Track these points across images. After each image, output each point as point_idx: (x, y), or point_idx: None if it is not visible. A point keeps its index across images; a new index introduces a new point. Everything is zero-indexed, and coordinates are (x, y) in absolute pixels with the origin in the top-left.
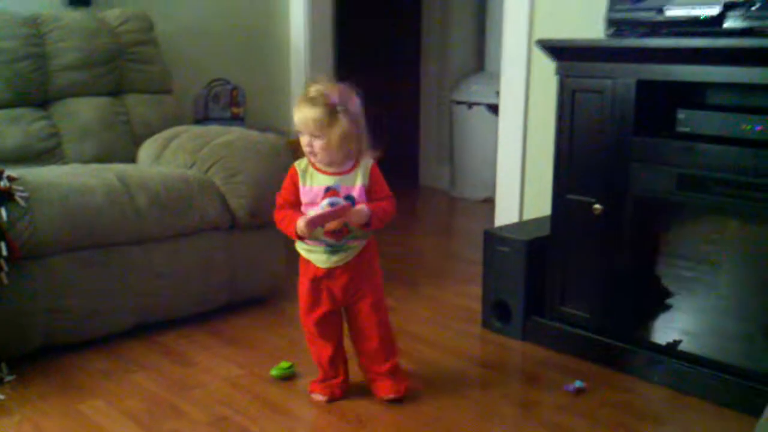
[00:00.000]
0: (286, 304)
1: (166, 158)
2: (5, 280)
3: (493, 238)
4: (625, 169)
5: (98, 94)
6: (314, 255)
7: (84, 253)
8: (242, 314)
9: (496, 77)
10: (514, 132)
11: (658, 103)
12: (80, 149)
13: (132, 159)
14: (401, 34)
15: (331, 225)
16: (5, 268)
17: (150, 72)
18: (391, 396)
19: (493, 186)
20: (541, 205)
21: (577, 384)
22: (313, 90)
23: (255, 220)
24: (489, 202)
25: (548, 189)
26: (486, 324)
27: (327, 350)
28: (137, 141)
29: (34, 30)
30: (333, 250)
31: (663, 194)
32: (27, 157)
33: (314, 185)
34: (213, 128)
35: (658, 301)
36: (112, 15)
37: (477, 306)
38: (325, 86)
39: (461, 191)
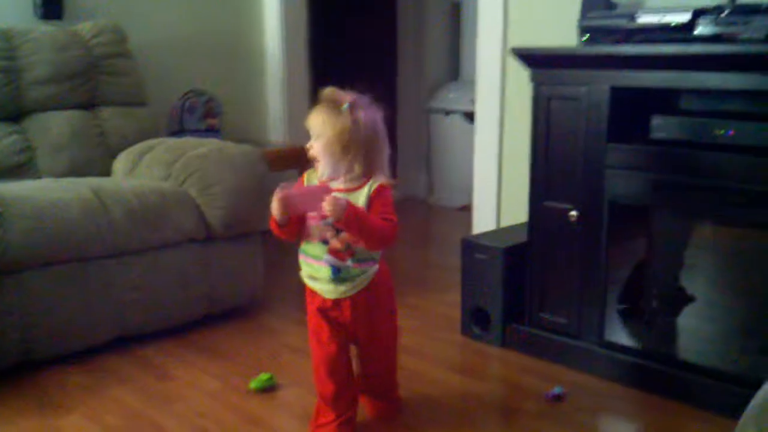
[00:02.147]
0: (265, 315)
1: (141, 171)
2: None
3: (470, 246)
4: (601, 175)
5: (72, 107)
6: (319, 285)
7: (59, 268)
8: (221, 326)
9: (471, 85)
10: (490, 139)
11: (633, 110)
12: (54, 163)
13: (107, 172)
14: (377, 44)
15: (334, 242)
16: None
17: (124, 84)
18: (381, 418)
19: (470, 193)
20: (518, 212)
21: (557, 390)
22: (328, 90)
23: (231, 232)
24: (466, 210)
25: (525, 196)
26: (465, 331)
27: (336, 387)
28: (112, 154)
29: (6, 44)
30: (339, 278)
31: (638, 200)
32: (0, 172)
33: None
34: (188, 140)
35: (635, 306)
36: (85, 28)
37: (456, 314)
38: (340, 92)
39: (439, 199)
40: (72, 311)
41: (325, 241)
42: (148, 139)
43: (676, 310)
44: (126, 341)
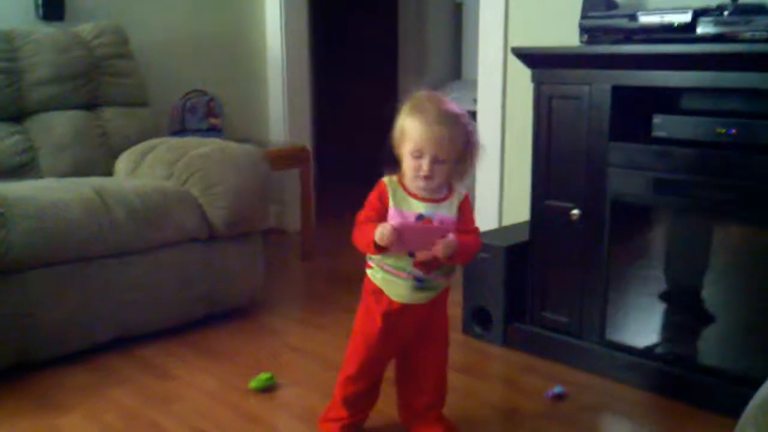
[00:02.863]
0: (266, 315)
1: (143, 171)
2: None
3: None
4: (603, 174)
5: (73, 107)
6: (394, 287)
7: (60, 268)
8: (221, 326)
9: (473, 85)
10: (492, 139)
11: (634, 109)
12: (56, 163)
13: (109, 172)
14: (378, 43)
15: (422, 255)
16: None
17: (126, 85)
18: None
19: (472, 192)
20: (520, 210)
21: (557, 389)
22: (446, 105)
23: (233, 231)
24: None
25: (527, 195)
26: (467, 330)
27: (362, 389)
28: (114, 154)
29: (8, 45)
30: (421, 285)
31: (640, 198)
32: (2, 172)
33: (404, 209)
34: (190, 140)
35: (637, 305)
36: (86, 29)
37: (457, 312)
38: (451, 102)
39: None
40: (72, 311)
41: (411, 254)
42: (149, 139)
43: (683, 310)
44: (126, 341)
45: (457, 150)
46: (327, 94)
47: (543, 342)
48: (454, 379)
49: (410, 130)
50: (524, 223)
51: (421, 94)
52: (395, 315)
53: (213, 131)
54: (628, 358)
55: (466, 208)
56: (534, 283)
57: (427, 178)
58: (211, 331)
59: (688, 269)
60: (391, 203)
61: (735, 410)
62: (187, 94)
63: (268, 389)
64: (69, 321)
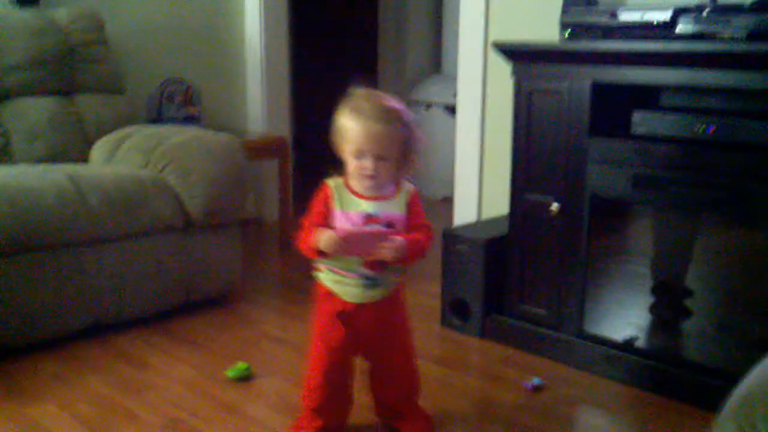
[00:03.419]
0: (243, 305)
1: (119, 158)
2: None
3: (451, 238)
4: (582, 169)
5: (48, 93)
6: (346, 288)
7: (34, 255)
8: (198, 315)
9: (453, 78)
10: (471, 132)
11: (614, 105)
12: (30, 149)
13: (84, 159)
14: (358, 35)
15: (370, 256)
16: None
17: (101, 71)
18: None
19: (451, 185)
20: (499, 203)
21: (535, 381)
22: (383, 102)
23: (210, 220)
24: (448, 201)
25: (506, 188)
26: (445, 322)
27: (330, 394)
28: (90, 141)
29: None
30: (372, 283)
31: (619, 194)
32: None
33: (351, 210)
34: (167, 128)
35: (615, 298)
36: (61, 14)
37: (436, 304)
38: (388, 98)
39: (420, 191)
40: (46, 298)
41: None
42: (126, 126)
43: (661, 304)
44: (101, 329)
45: (398, 146)
46: (306, 84)
47: (521, 334)
48: (431, 370)
49: (349, 131)
50: (504, 216)
51: (358, 92)
52: (350, 315)
53: (190, 120)
54: (606, 350)
55: (414, 203)
56: (512, 276)
57: (371, 177)
58: (187, 320)
59: (666, 264)
60: (336, 206)
61: (713, 404)
62: (164, 82)
63: (244, 379)
64: (43, 308)
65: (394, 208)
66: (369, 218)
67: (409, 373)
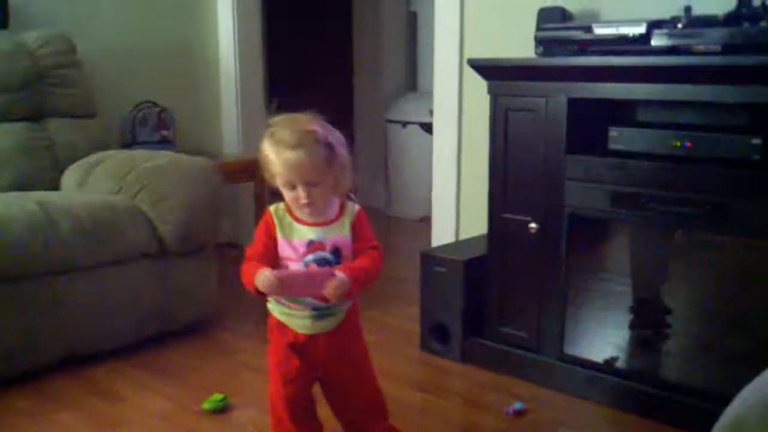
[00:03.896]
0: (220, 333)
1: (91, 184)
2: None
3: (429, 259)
4: (560, 187)
5: (17, 119)
6: (295, 320)
7: (4, 286)
8: (173, 345)
9: (429, 96)
10: (448, 151)
11: (591, 121)
12: None
13: (55, 186)
14: (333, 54)
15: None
16: None
17: (73, 95)
18: None
19: (429, 204)
20: (477, 223)
21: (517, 406)
22: (294, 130)
23: (185, 247)
24: (425, 221)
25: (484, 208)
26: (424, 346)
27: (298, 428)
28: (61, 167)
29: None
30: (321, 314)
31: (598, 211)
32: None
33: (294, 239)
34: (140, 152)
35: (596, 319)
36: (31, 37)
37: (415, 328)
38: (302, 121)
39: (397, 210)
40: (15, 331)
41: None
42: (98, 151)
43: (645, 324)
44: (73, 362)
45: (323, 169)
46: (281, 106)
47: (502, 357)
48: (411, 396)
49: (271, 163)
50: (482, 236)
51: (276, 120)
52: (303, 346)
53: (164, 144)
54: (587, 372)
55: (360, 225)
56: (492, 298)
57: (307, 204)
58: (163, 351)
59: (646, 282)
60: (278, 234)
61: (694, 424)
62: (137, 105)
63: (221, 410)
64: (12, 342)
65: (339, 232)
66: (312, 246)
67: (374, 396)
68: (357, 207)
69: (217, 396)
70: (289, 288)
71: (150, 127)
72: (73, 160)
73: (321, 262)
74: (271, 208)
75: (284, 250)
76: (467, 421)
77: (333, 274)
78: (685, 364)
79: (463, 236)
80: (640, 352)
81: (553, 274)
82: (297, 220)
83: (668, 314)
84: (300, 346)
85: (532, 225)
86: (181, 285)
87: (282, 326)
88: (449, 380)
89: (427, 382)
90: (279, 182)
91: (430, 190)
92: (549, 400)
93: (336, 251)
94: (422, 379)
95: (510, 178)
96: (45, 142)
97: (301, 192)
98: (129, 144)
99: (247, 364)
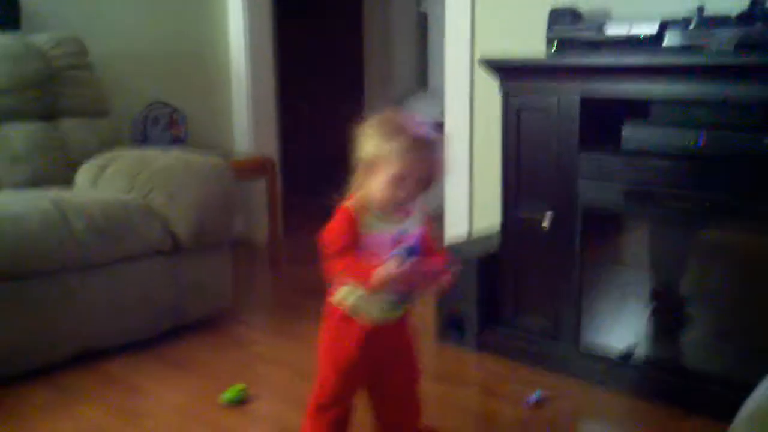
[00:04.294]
0: (235, 327)
1: (104, 183)
2: None
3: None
4: (573, 184)
5: (31, 118)
6: (371, 307)
7: (19, 283)
8: (190, 338)
9: (440, 95)
10: (460, 149)
11: (603, 119)
12: (13, 176)
13: (69, 184)
14: (343, 54)
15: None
16: None
17: (85, 96)
18: None
19: (441, 200)
20: (490, 218)
21: (537, 395)
22: (425, 127)
23: (198, 243)
24: (437, 217)
25: (497, 202)
26: (441, 337)
27: (335, 417)
28: (74, 166)
29: None
30: (400, 302)
31: (611, 208)
32: None
33: (375, 232)
34: (152, 151)
35: (612, 309)
36: (43, 39)
37: (431, 319)
38: (421, 120)
39: None
40: (33, 326)
41: None
42: (110, 150)
43: (659, 314)
44: (90, 356)
45: (438, 169)
46: (292, 103)
47: (518, 347)
48: (430, 387)
49: (391, 155)
50: (495, 229)
51: (392, 115)
52: (369, 337)
53: (176, 142)
54: (605, 361)
55: (427, 221)
56: (507, 291)
57: (406, 199)
58: (179, 344)
59: (661, 275)
60: (363, 229)
61: (715, 412)
62: (149, 105)
63: (240, 402)
64: (30, 337)
65: (415, 227)
66: (398, 240)
67: (416, 397)
68: (423, 203)
69: (238, 385)
70: (407, 280)
71: (161, 126)
72: (85, 159)
73: (405, 256)
74: (349, 205)
75: (370, 244)
76: (486, 411)
77: (446, 268)
78: (706, 353)
79: (476, 230)
80: (658, 340)
81: (567, 268)
82: (378, 213)
83: (687, 303)
84: (366, 337)
85: (545, 222)
86: (196, 280)
87: (348, 318)
88: (467, 370)
89: (445, 373)
90: (384, 173)
91: (442, 187)
92: (566, 389)
93: (415, 245)
94: (440, 370)
95: (523, 175)
96: (58, 141)
97: (408, 187)
98: (141, 143)
99: (263, 356)
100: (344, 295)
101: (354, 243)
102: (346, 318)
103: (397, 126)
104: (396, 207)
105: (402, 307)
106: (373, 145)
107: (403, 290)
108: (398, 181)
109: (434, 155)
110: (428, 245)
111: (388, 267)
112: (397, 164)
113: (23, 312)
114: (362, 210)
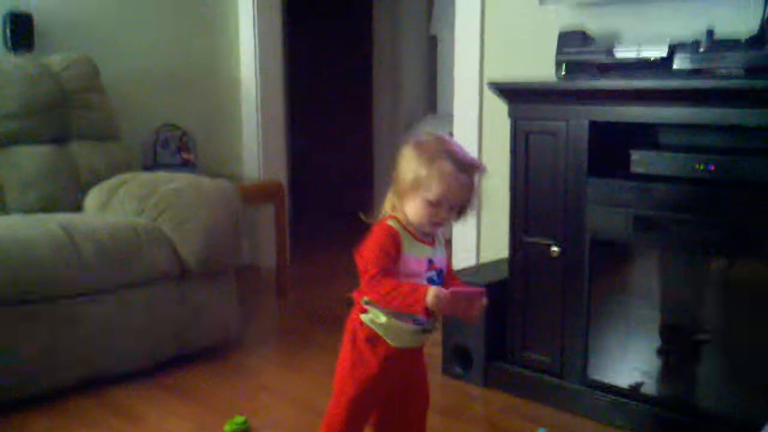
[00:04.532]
0: (239, 355)
1: (114, 206)
2: None
3: None
4: (582, 210)
5: (42, 141)
6: (398, 332)
7: (27, 307)
8: (194, 366)
9: (448, 119)
10: None
11: (612, 144)
12: (23, 199)
13: (78, 207)
14: (353, 77)
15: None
16: None
17: (96, 118)
18: None
19: (449, 228)
20: (498, 246)
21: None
22: (466, 153)
23: (206, 269)
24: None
25: (505, 230)
26: (446, 370)
27: None
28: (83, 189)
29: None
30: (426, 329)
31: (620, 235)
32: None
33: (415, 255)
34: (161, 175)
35: (619, 343)
36: (55, 60)
37: (437, 352)
38: (459, 144)
39: None
40: (37, 352)
41: None
42: (120, 173)
43: (667, 349)
44: (94, 383)
45: (473, 197)
46: (302, 128)
47: (525, 382)
48: (434, 421)
49: (431, 179)
50: (503, 259)
51: (433, 138)
52: (391, 360)
53: (186, 166)
54: (612, 398)
55: (447, 246)
56: (514, 322)
57: (439, 224)
58: (183, 372)
59: (670, 306)
60: (404, 250)
61: None
62: (159, 128)
63: None
64: (34, 362)
65: (443, 252)
66: (431, 264)
67: (425, 428)
68: (443, 230)
69: (239, 418)
70: (456, 306)
71: (171, 149)
72: (95, 182)
73: (434, 281)
74: (392, 223)
75: (408, 265)
76: None
77: (484, 295)
78: (715, 391)
79: (483, 258)
80: (667, 377)
81: (575, 298)
82: (415, 237)
83: (698, 339)
84: (389, 360)
85: (554, 249)
86: (202, 307)
87: (375, 339)
88: (472, 405)
89: (449, 407)
90: (422, 196)
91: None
92: (573, 426)
93: (442, 270)
94: (445, 404)
95: (531, 201)
96: (68, 165)
97: (443, 212)
98: (151, 166)
99: (268, 386)
100: (371, 316)
101: (394, 264)
102: (372, 339)
103: (438, 150)
104: (427, 232)
105: (429, 333)
106: (412, 168)
107: (448, 315)
108: (435, 205)
109: (472, 182)
110: (450, 272)
111: (439, 291)
112: (435, 189)
113: (28, 336)
114: (402, 229)
